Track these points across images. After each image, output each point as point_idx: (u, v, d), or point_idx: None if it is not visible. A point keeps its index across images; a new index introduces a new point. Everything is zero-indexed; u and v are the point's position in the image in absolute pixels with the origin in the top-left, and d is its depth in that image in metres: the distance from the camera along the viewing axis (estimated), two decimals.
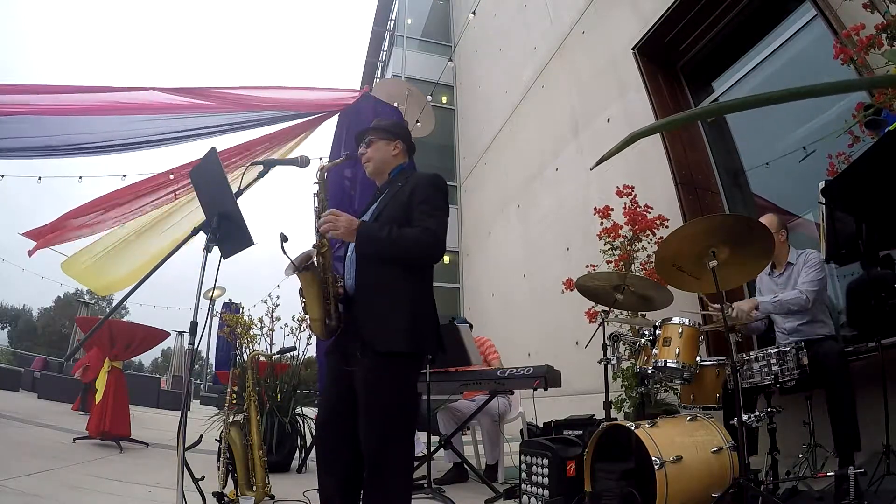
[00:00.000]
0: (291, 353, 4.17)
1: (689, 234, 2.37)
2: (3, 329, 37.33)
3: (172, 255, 2.32)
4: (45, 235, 4.61)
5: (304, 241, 1.81)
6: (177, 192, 4.42)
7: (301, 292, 1.77)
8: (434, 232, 1.78)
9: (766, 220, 2.90)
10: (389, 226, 1.77)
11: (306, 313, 1.77)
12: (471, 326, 4.20)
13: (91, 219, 4.52)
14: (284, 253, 1.71)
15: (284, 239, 1.71)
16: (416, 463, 2.94)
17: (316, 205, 1.84)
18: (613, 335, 2.85)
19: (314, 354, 4.27)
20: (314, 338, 4.12)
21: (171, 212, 4.65)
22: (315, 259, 1.75)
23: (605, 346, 2.81)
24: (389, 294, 1.75)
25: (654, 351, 2.70)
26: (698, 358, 2.65)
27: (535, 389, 3.24)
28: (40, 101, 3.59)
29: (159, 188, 4.46)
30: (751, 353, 2.55)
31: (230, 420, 2.97)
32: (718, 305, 2.46)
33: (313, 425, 3.85)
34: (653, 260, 3.39)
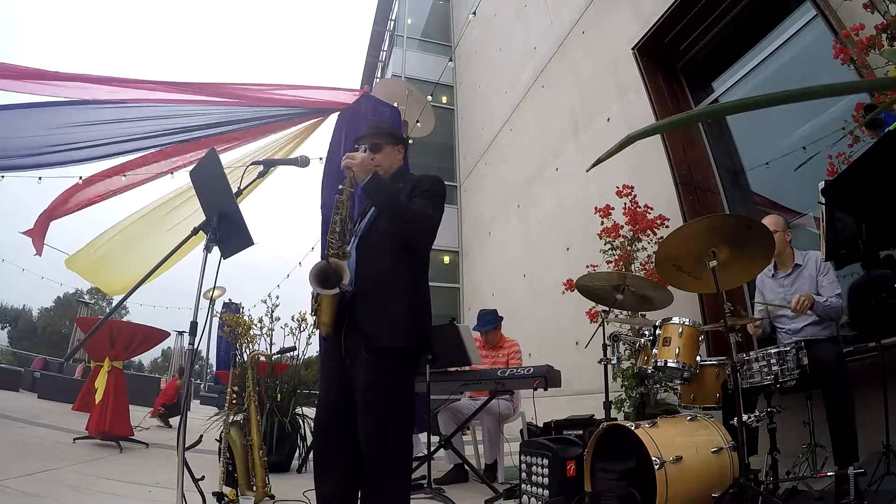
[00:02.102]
0: (291, 353, 4.17)
1: (689, 234, 2.37)
2: (3, 329, 37.33)
3: (172, 255, 2.32)
4: (41, 226, 4.62)
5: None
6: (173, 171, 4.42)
7: (316, 296, 1.77)
8: (430, 215, 1.81)
9: (772, 220, 2.90)
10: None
11: (314, 313, 1.79)
12: (501, 319, 4.19)
13: (81, 195, 4.52)
14: (327, 262, 1.71)
15: (339, 280, 1.72)
16: (416, 463, 2.95)
17: (338, 209, 1.84)
18: (613, 335, 2.85)
19: (314, 354, 4.28)
20: (314, 338, 4.12)
21: (174, 206, 4.62)
22: (346, 278, 1.73)
23: (605, 346, 2.81)
24: (389, 290, 1.77)
25: (654, 351, 2.70)
26: (698, 358, 2.65)
27: (535, 389, 3.24)
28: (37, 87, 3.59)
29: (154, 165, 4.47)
30: (751, 353, 2.55)
31: (230, 420, 2.97)
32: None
33: (313, 424, 3.84)
34: (653, 260, 3.39)
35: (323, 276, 1.73)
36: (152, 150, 4.24)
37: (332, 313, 1.75)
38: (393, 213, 1.77)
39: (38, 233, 4.64)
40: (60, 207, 4.57)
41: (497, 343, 4.15)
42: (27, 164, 4.17)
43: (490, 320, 4.13)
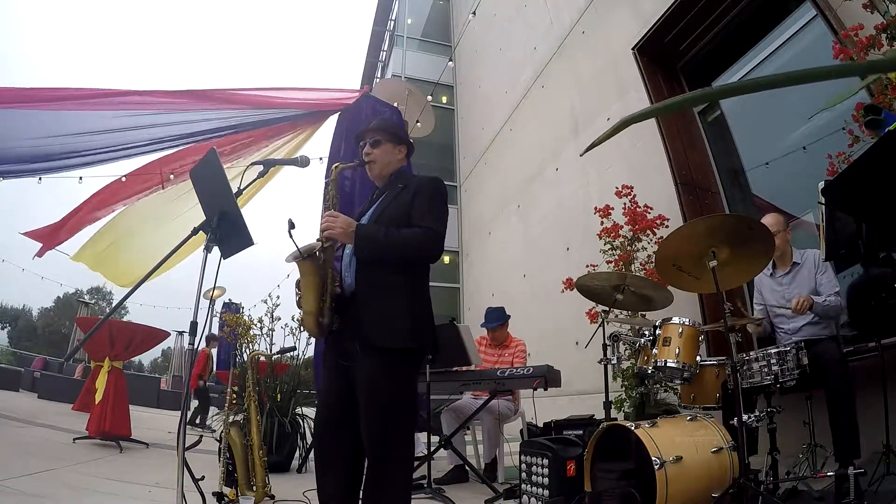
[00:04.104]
0: (291, 353, 4.17)
1: (689, 234, 2.37)
2: (3, 329, 37.34)
3: (172, 255, 2.32)
4: (49, 236, 4.62)
5: (304, 239, 1.81)
6: (163, 180, 4.42)
7: (297, 284, 1.77)
8: (434, 231, 1.79)
9: (771, 218, 2.90)
10: (386, 227, 1.77)
11: (300, 307, 1.76)
12: (508, 317, 4.18)
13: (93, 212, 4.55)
14: (291, 238, 1.71)
15: (292, 226, 1.71)
16: (416, 463, 2.95)
17: (325, 199, 1.86)
18: (613, 335, 2.85)
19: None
20: (314, 338, 4.12)
21: (182, 192, 4.60)
22: (318, 252, 1.75)
23: (605, 346, 2.81)
24: (388, 292, 1.76)
25: (654, 351, 2.70)
26: (698, 358, 2.65)
27: (535, 389, 3.24)
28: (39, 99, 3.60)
29: (154, 178, 4.48)
30: (751, 353, 2.55)
31: (230, 420, 2.97)
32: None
33: (313, 425, 3.84)
34: (653, 260, 3.39)
35: (294, 255, 1.73)
36: (154, 158, 4.26)
37: (313, 299, 1.72)
38: (389, 257, 1.76)
39: (46, 241, 4.65)
40: (74, 222, 4.60)
41: (504, 342, 4.14)
42: (28, 171, 4.17)
43: (497, 317, 4.11)
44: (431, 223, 1.79)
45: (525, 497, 2.68)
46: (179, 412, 1.87)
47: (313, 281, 1.73)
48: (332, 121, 4.41)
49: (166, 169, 4.42)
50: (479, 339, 4.22)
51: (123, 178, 4.51)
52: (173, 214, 4.63)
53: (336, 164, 1.94)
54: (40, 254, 4.71)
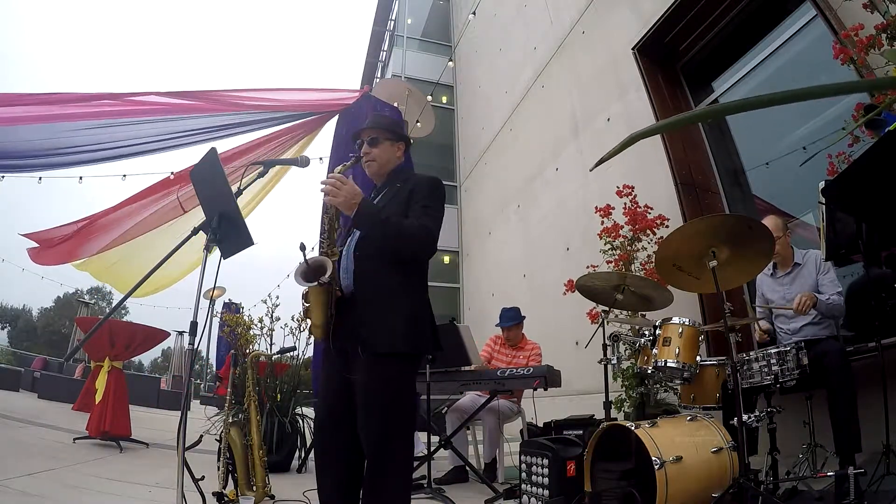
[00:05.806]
0: (291, 353, 4.17)
1: (689, 234, 2.37)
2: (3, 329, 37.34)
3: (172, 254, 2.31)
4: (55, 248, 4.62)
5: (304, 240, 1.80)
6: (182, 203, 4.41)
7: (304, 297, 1.76)
8: (430, 229, 1.79)
9: (770, 221, 2.90)
10: (388, 212, 1.78)
11: (307, 317, 1.76)
12: (523, 318, 4.17)
13: (102, 234, 4.55)
14: (306, 263, 1.70)
15: (303, 248, 1.70)
16: (416, 463, 2.95)
17: (325, 205, 1.85)
18: (613, 335, 2.85)
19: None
20: (313, 338, 4.12)
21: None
22: (328, 272, 1.72)
23: (605, 346, 2.81)
24: (388, 295, 1.76)
25: (654, 351, 2.70)
26: (698, 358, 2.65)
27: (535, 389, 3.24)
28: (40, 111, 3.60)
29: (163, 194, 4.47)
30: (751, 353, 2.55)
31: (230, 420, 2.97)
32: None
33: (313, 425, 3.84)
34: (653, 260, 3.39)
35: (303, 273, 1.72)
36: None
37: (322, 314, 1.72)
38: (386, 240, 1.75)
39: (44, 244, 4.65)
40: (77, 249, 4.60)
41: (518, 343, 4.13)
42: (28, 166, 4.18)
43: (512, 317, 4.11)
44: (427, 221, 1.79)
45: (525, 497, 2.68)
46: (179, 412, 1.87)
47: (323, 299, 1.72)
48: (333, 121, 4.42)
49: (176, 185, 4.41)
50: (494, 337, 4.23)
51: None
52: (184, 228, 4.63)
53: (335, 169, 1.92)
54: (40, 262, 4.71)
